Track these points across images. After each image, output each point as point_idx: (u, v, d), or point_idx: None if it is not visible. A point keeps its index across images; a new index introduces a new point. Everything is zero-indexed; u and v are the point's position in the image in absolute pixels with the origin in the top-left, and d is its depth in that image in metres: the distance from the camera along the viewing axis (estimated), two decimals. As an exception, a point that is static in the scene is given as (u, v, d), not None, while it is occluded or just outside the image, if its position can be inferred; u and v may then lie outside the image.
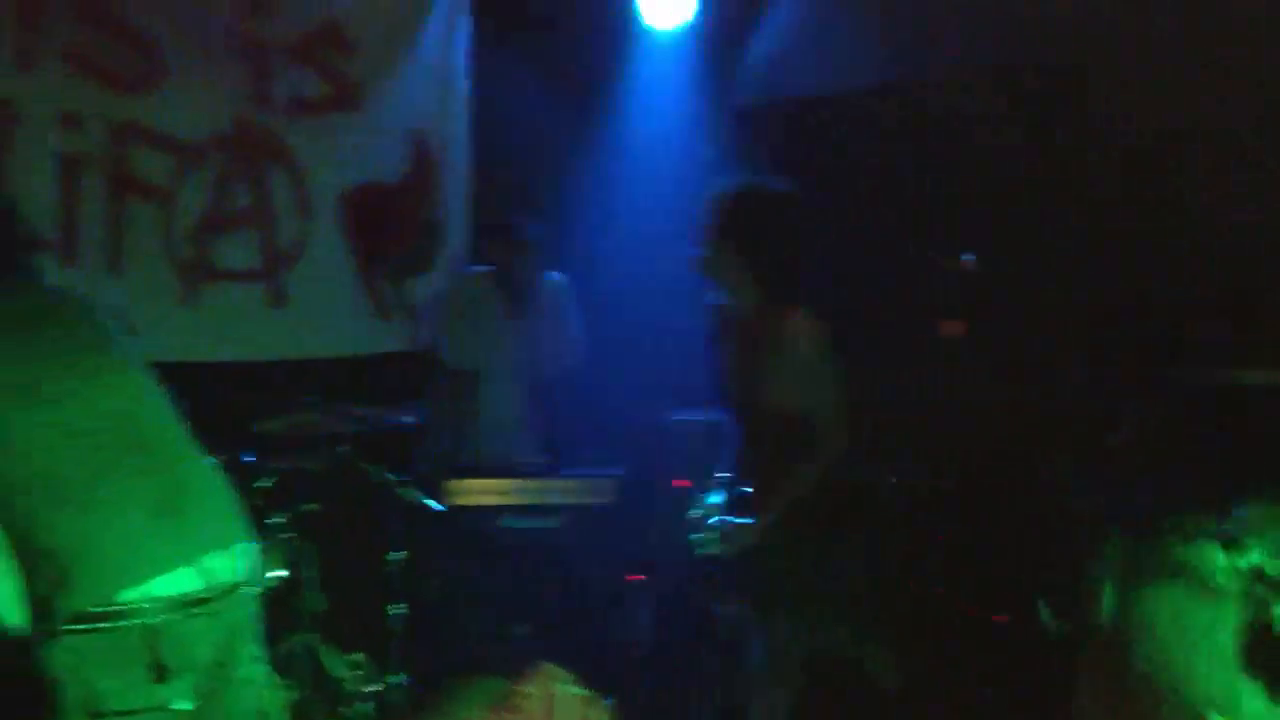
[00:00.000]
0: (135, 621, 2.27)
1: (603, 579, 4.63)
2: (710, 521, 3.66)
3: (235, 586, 2.47)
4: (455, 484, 4.56)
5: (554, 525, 4.58)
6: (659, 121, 5.42)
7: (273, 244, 4.94)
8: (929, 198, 4.17)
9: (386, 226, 5.11)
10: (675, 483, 4.41)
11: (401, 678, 4.21)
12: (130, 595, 2.29)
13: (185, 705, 2.31)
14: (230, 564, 2.48)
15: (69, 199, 4.63)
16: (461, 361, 5.02)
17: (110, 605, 2.27)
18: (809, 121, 5.04)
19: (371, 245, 5.09)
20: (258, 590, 2.59)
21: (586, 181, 5.52)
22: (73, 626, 2.24)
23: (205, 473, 2.58)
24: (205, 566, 2.42)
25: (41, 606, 2.26)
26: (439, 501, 4.32)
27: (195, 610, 2.36)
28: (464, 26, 5.43)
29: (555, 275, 5.10)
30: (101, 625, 2.25)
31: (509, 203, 5.29)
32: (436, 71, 5.32)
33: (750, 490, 3.60)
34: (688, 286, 3.98)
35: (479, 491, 4.60)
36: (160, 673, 2.28)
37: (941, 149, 4.59)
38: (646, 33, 5.38)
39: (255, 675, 2.53)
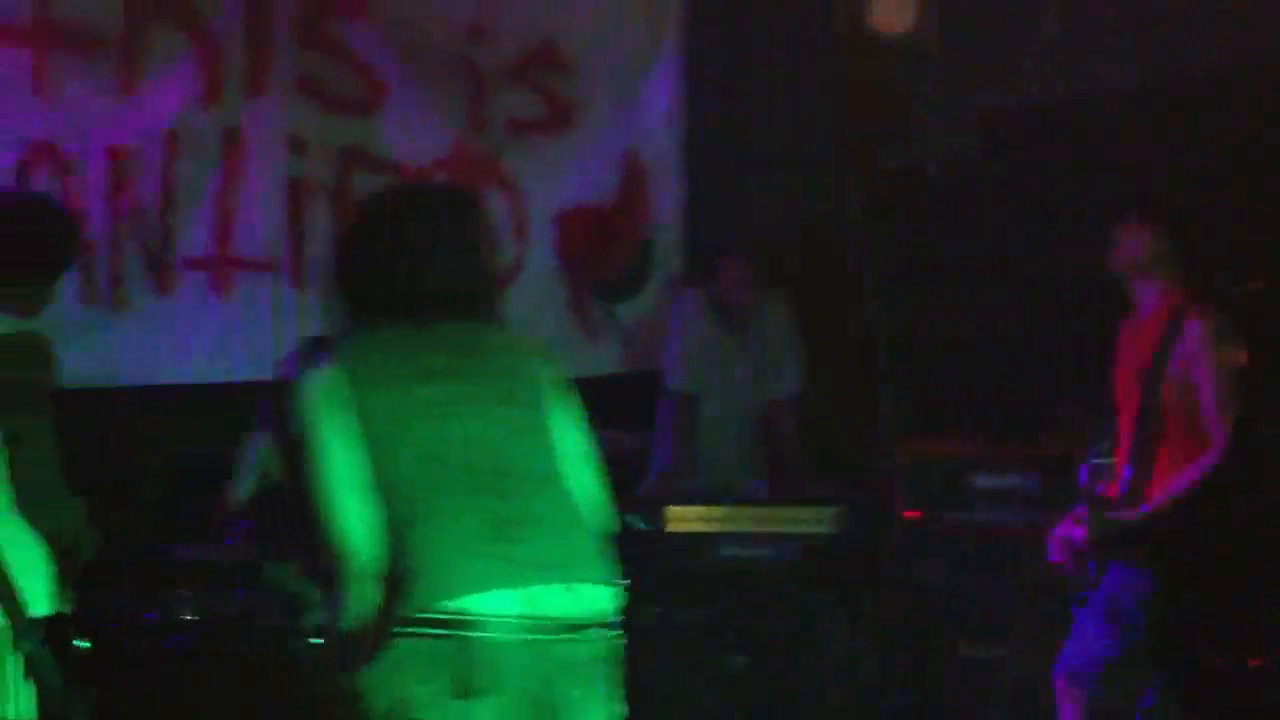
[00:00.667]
0: (452, 633, 2.33)
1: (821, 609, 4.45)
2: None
3: (567, 622, 2.45)
4: (674, 510, 4.46)
5: (774, 555, 4.44)
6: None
7: (492, 267, 4.93)
8: (1196, 212, 3.92)
9: (598, 247, 5.06)
10: (905, 514, 4.23)
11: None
12: (451, 605, 2.36)
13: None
14: (564, 599, 2.46)
15: (295, 222, 4.73)
16: (682, 384, 4.92)
17: (434, 612, 2.35)
18: (1058, 126, 4.81)
19: (582, 266, 5.04)
20: (602, 633, 2.52)
21: (803, 197, 5.37)
22: (399, 629, 2.35)
23: (565, 508, 2.58)
24: (533, 595, 2.42)
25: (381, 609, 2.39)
26: (657, 526, 4.23)
27: (518, 636, 2.38)
28: (676, 43, 5.35)
29: (776, 296, 4.97)
30: (424, 631, 2.33)
31: (725, 223, 5.18)
32: (649, 89, 5.25)
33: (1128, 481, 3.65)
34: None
35: (697, 518, 4.49)
36: (466, 690, 2.33)
37: (1206, 157, 4.32)
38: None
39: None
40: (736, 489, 4.70)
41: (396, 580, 2.37)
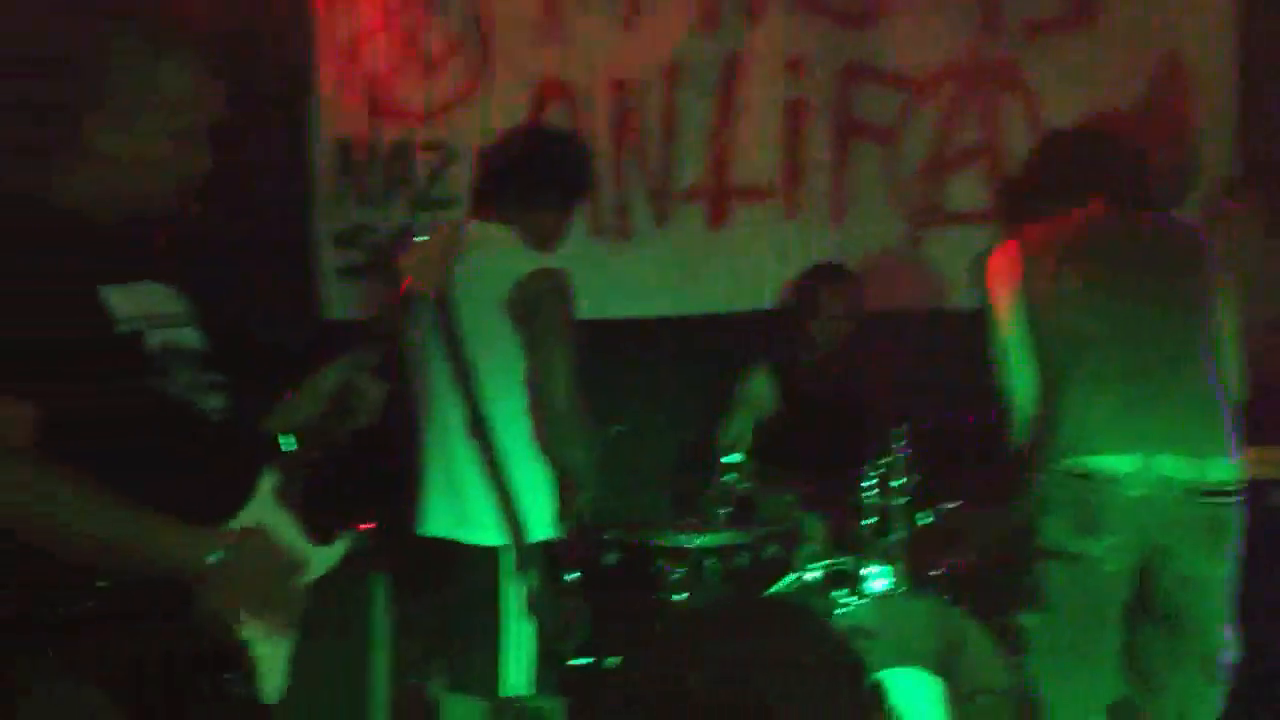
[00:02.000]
0: (1079, 482, 2.96)
1: None
2: None
3: (1186, 486, 2.93)
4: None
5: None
6: None
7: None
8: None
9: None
10: None
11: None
12: (1081, 461, 2.98)
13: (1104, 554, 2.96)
14: (1184, 466, 2.94)
15: (791, 147, 4.56)
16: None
17: (1067, 466, 2.99)
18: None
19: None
20: (1219, 499, 2.96)
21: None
22: (1041, 473, 3.04)
23: (1199, 385, 3.02)
24: (1153, 461, 2.93)
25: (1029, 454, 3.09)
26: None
27: (1137, 492, 2.93)
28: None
29: None
30: (1058, 478, 3.00)
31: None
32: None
33: None
34: None
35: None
36: (1087, 527, 2.94)
37: None
38: None
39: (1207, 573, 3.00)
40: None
41: (1042, 434, 3.03)
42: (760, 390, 4.04)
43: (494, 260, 3.17)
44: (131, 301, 2.21)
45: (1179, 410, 2.98)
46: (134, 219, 2.34)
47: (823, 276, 4.33)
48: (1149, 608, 3.04)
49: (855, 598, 3.55)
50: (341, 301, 4.52)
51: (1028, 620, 3.11)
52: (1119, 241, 3.18)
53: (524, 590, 3.18)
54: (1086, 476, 2.95)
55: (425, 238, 2.83)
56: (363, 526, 3.50)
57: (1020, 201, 3.45)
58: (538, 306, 3.16)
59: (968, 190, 4.53)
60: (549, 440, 3.19)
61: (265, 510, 2.31)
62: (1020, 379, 3.13)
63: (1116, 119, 4.42)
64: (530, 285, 3.15)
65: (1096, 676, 3.08)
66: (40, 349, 2.08)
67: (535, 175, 3.34)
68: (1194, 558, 2.97)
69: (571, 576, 3.24)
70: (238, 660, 2.22)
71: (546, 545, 3.25)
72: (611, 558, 3.66)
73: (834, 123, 4.54)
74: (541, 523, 3.25)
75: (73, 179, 2.24)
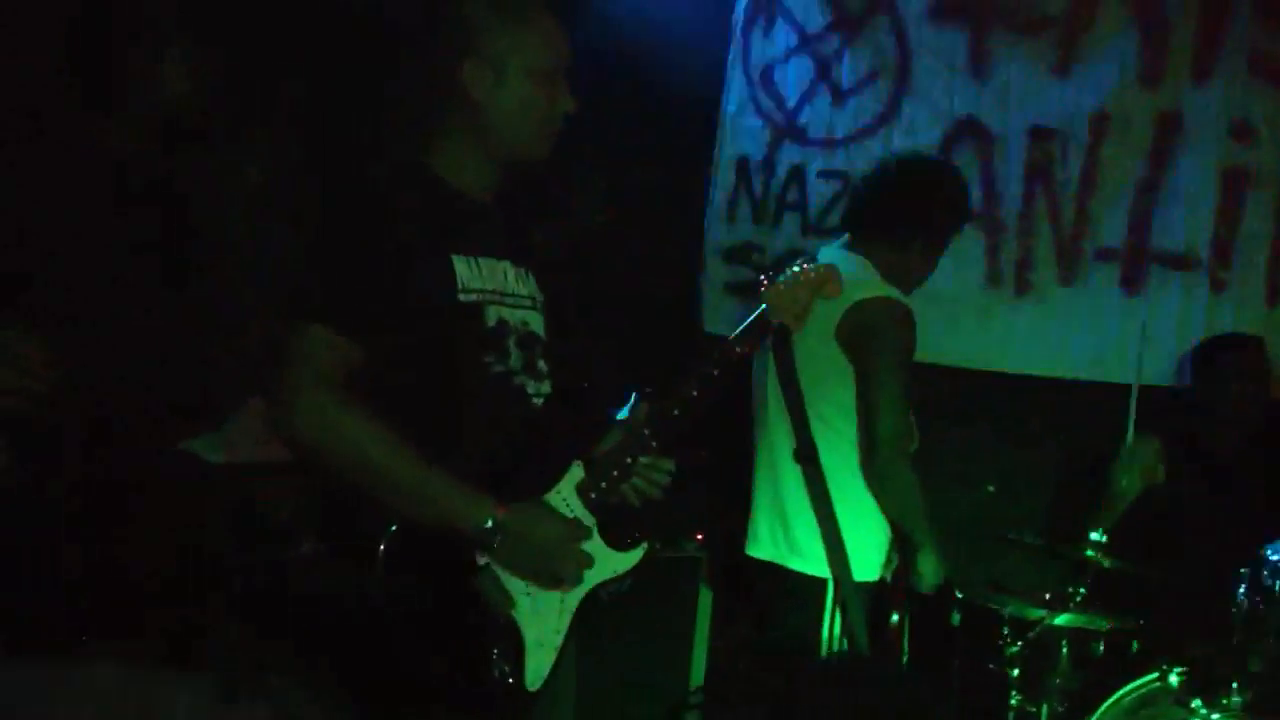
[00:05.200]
0: None
1: None
2: None
3: None
4: None
5: None
6: None
7: None
8: None
9: None
10: None
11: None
12: None
13: None
14: None
15: (1227, 216, 4.15)
16: None
17: None
18: None
19: None
20: None
21: None
22: None
23: None
24: None
25: None
26: None
27: None
28: None
29: None
30: None
31: None
32: None
33: None
34: None
35: None
36: None
37: None
38: None
39: None
40: None
41: None
42: (1147, 460, 3.65)
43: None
44: (479, 275, 2.25)
45: None
46: (505, 198, 2.40)
47: (1225, 343, 3.96)
48: None
49: (1218, 714, 3.11)
50: (724, 316, 4.50)
51: None
52: None
53: (843, 624, 3.05)
54: None
55: (796, 269, 2.72)
56: (695, 539, 3.46)
57: None
58: (870, 334, 3.04)
59: None
60: (870, 474, 3.04)
61: (565, 500, 2.29)
62: None
63: None
64: (864, 312, 3.04)
65: None
66: (386, 301, 2.14)
67: (907, 205, 3.22)
68: None
69: (895, 618, 3.05)
70: (507, 638, 2.20)
71: (873, 585, 3.10)
72: (956, 618, 3.41)
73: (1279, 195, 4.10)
74: (869, 562, 3.12)
75: (445, 142, 2.31)
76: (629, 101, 4.24)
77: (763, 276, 2.72)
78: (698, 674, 3.63)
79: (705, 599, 3.60)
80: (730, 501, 3.36)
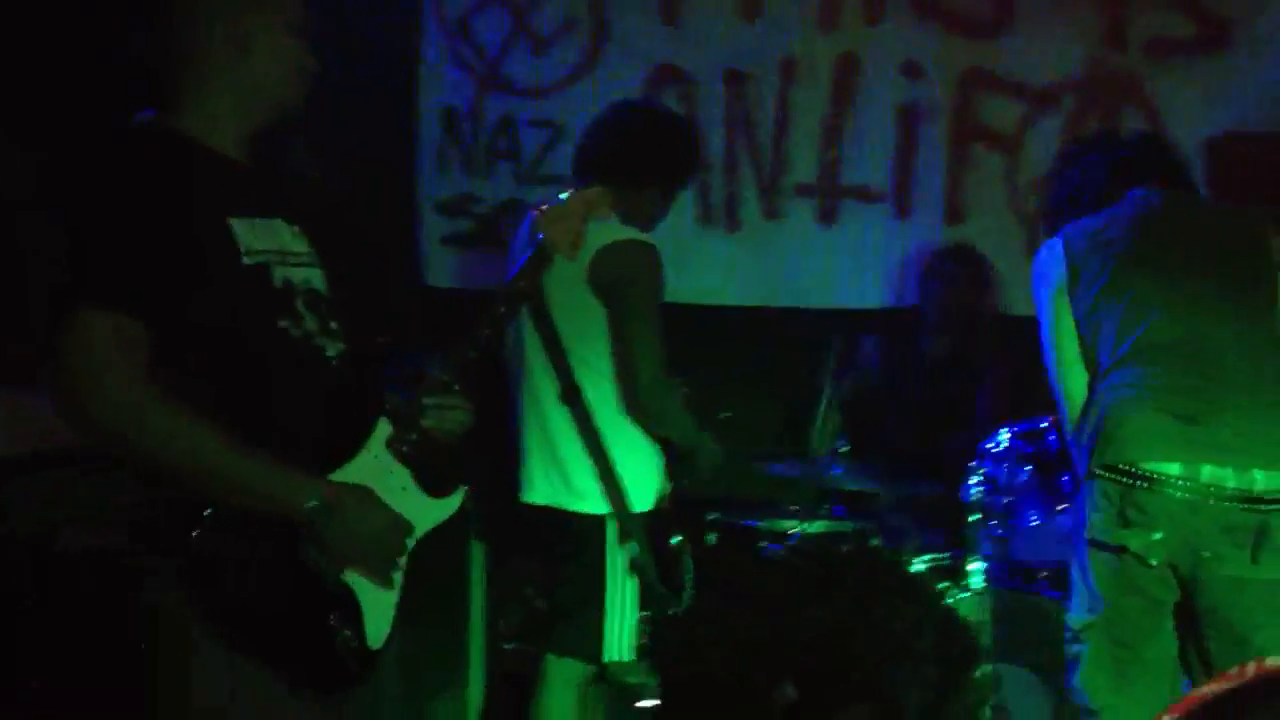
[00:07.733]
0: (1121, 480, 2.86)
1: None
2: None
3: (1234, 494, 2.80)
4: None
5: None
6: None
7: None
8: None
9: (1255, 179, 4.42)
10: None
11: None
12: (1124, 462, 2.88)
13: (1145, 549, 2.83)
14: (1234, 476, 2.80)
15: (905, 149, 4.50)
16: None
17: (1112, 465, 2.89)
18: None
19: (1236, 199, 4.42)
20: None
21: None
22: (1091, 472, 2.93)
23: (1264, 394, 2.89)
24: (1199, 469, 2.82)
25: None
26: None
27: (1179, 494, 2.82)
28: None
29: None
30: (1104, 475, 2.89)
31: None
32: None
33: None
34: None
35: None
36: (1126, 521, 2.84)
37: None
38: None
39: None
40: None
41: (1094, 437, 2.91)
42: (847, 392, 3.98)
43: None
44: (258, 236, 2.17)
45: (1233, 421, 2.82)
46: (260, 155, 2.31)
47: (941, 254, 4.35)
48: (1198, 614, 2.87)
49: (960, 591, 3.46)
50: (442, 269, 4.48)
51: (1075, 621, 2.93)
52: (1175, 230, 3.03)
53: (628, 557, 3.13)
54: (1124, 474, 2.83)
55: (564, 196, 2.77)
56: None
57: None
58: (621, 276, 3.12)
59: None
60: (636, 413, 3.14)
61: (378, 458, 2.26)
62: (1073, 379, 3.00)
63: (1249, 143, 4.36)
64: (613, 254, 3.11)
65: (1148, 685, 2.86)
66: (166, 272, 2.03)
67: (643, 150, 3.30)
68: (1234, 563, 2.81)
69: (675, 540, 3.18)
70: (343, 603, 2.17)
71: (649, 515, 3.21)
72: (711, 538, 3.59)
73: (952, 127, 4.48)
74: (645, 492, 3.21)
75: (194, 101, 2.21)
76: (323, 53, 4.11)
77: (538, 209, 2.78)
78: (476, 631, 3.63)
79: (477, 551, 3.61)
80: (490, 451, 3.36)
